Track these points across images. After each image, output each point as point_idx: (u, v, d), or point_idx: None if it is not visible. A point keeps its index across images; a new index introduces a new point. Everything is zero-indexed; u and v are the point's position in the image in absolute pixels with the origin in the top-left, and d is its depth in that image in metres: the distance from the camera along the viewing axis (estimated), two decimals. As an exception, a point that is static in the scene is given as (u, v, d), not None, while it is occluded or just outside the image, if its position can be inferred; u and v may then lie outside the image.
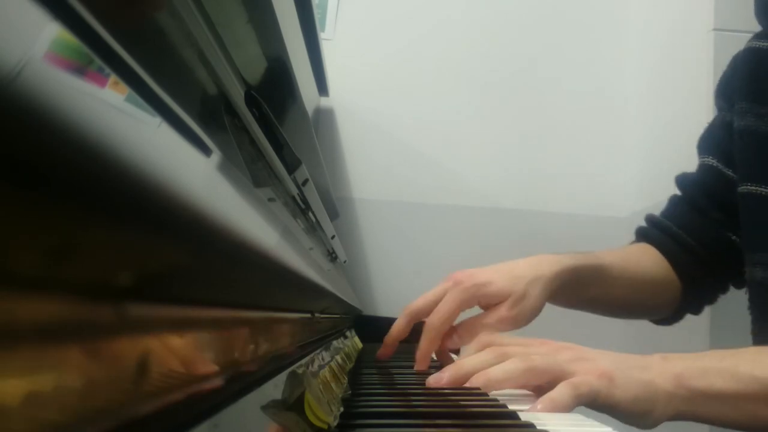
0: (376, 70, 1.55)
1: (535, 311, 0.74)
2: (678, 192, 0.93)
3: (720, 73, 1.19)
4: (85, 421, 0.13)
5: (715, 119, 0.91)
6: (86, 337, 0.13)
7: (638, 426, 0.55)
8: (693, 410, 0.55)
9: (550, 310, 0.78)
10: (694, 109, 1.25)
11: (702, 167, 0.90)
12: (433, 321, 0.73)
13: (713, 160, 0.88)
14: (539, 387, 0.55)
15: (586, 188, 1.57)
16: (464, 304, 0.74)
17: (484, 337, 0.65)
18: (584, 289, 0.80)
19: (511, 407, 0.48)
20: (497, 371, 0.55)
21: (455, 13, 1.58)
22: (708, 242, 0.86)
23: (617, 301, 0.85)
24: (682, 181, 0.94)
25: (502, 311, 0.72)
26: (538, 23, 1.60)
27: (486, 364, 0.57)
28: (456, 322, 0.75)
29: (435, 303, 0.74)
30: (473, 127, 1.56)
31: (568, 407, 0.50)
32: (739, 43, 1.05)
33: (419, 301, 0.76)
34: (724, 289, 0.90)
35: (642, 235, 0.93)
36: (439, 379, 0.59)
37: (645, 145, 1.50)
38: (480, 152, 1.56)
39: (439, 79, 1.56)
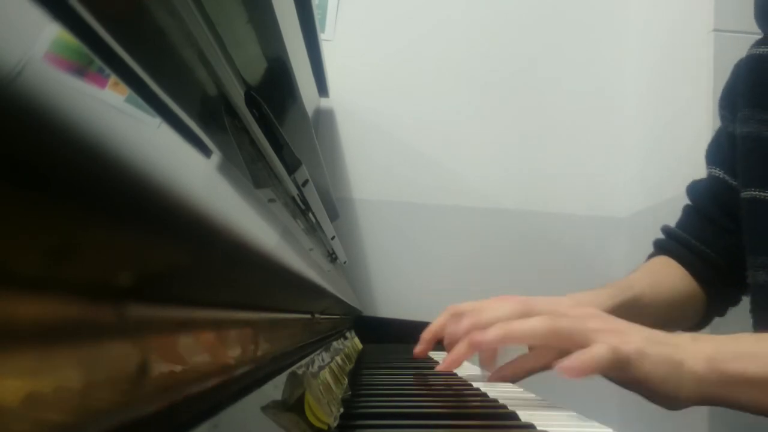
0: (376, 71, 1.55)
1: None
2: (689, 202, 0.95)
3: (721, 74, 1.19)
4: (85, 421, 0.13)
5: (720, 129, 0.92)
6: (86, 338, 0.13)
7: (665, 406, 0.53)
8: (723, 394, 0.53)
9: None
10: (694, 109, 1.25)
11: (710, 177, 0.92)
12: (449, 332, 0.72)
13: (720, 171, 0.89)
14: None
15: (586, 188, 1.57)
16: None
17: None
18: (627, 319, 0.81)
19: (512, 409, 0.48)
20: (519, 325, 0.52)
21: (455, 13, 1.58)
22: (723, 250, 0.87)
23: (649, 323, 0.86)
24: (692, 190, 0.95)
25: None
26: (538, 23, 1.60)
27: (507, 317, 0.54)
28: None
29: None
30: (473, 128, 1.56)
31: (602, 367, 0.48)
32: (739, 44, 1.05)
33: (465, 305, 0.76)
34: (745, 291, 0.90)
35: (660, 248, 0.94)
36: (455, 328, 0.56)
37: (645, 146, 1.50)
38: (480, 152, 1.56)
39: (439, 80, 1.56)
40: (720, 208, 0.88)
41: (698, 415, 1.11)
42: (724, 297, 0.90)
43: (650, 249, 1.38)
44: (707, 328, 1.13)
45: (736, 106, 0.83)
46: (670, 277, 0.89)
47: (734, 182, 0.86)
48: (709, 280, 0.88)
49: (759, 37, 0.86)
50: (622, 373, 0.50)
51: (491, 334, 0.52)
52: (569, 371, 0.47)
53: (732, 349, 0.53)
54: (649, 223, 1.46)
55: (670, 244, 0.93)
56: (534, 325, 0.52)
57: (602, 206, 1.56)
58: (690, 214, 0.94)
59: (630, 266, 1.48)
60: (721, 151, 0.90)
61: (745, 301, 0.85)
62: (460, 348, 0.56)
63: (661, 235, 0.96)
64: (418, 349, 0.79)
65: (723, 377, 0.52)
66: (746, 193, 0.80)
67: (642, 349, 0.51)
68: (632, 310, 0.80)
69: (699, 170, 1.20)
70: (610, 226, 1.55)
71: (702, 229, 0.90)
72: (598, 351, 0.48)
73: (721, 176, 0.89)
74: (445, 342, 0.78)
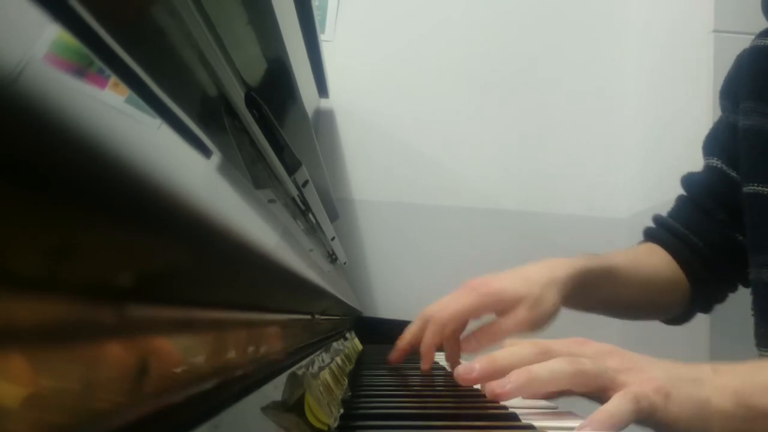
0: (376, 72, 1.55)
1: (553, 315, 0.72)
2: (684, 192, 0.94)
3: (720, 75, 1.18)
4: (85, 422, 0.13)
5: (719, 120, 0.91)
6: (85, 338, 0.13)
7: None
8: (752, 429, 0.50)
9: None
10: (694, 110, 1.25)
11: (707, 168, 0.90)
12: (440, 315, 0.72)
13: (718, 162, 0.87)
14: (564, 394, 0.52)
15: (586, 189, 1.57)
16: (477, 308, 0.73)
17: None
18: (596, 291, 0.79)
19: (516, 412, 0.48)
20: (542, 370, 0.49)
21: (455, 13, 1.58)
22: (714, 243, 0.86)
23: (628, 301, 0.85)
24: (687, 181, 0.93)
25: (521, 314, 0.70)
26: (538, 24, 1.60)
27: (526, 361, 0.51)
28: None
29: (455, 320, 0.74)
30: (473, 128, 1.57)
31: (626, 422, 0.45)
32: (739, 44, 1.05)
33: (434, 306, 0.76)
34: (733, 288, 0.90)
35: (649, 236, 0.93)
36: (469, 370, 0.53)
37: (645, 146, 1.50)
38: (480, 153, 1.56)
39: (439, 80, 1.56)
40: (716, 199, 0.87)
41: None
42: (710, 291, 0.89)
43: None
44: (705, 335, 1.13)
45: (738, 97, 0.82)
46: (654, 259, 0.88)
47: (733, 173, 0.85)
48: (697, 271, 0.87)
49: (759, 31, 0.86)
50: (646, 422, 0.48)
51: (514, 384, 0.48)
52: (597, 427, 0.44)
53: (759, 381, 0.51)
54: (649, 224, 1.46)
55: (659, 232, 0.92)
56: (556, 368, 0.49)
57: (602, 207, 1.56)
58: (683, 204, 0.92)
59: (630, 267, 1.48)
60: (719, 141, 0.88)
61: (747, 300, 0.84)
62: (472, 377, 0.53)
63: (651, 225, 0.95)
64: (393, 356, 0.77)
65: (751, 412, 0.49)
66: (748, 188, 0.79)
67: (666, 389, 0.48)
68: (608, 280, 0.80)
69: (699, 170, 1.20)
70: (610, 226, 1.55)
71: (695, 220, 0.88)
72: (621, 406, 0.45)
73: (719, 166, 0.87)
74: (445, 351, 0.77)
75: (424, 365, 0.73)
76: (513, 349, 0.54)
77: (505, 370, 0.50)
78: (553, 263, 0.77)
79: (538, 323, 0.71)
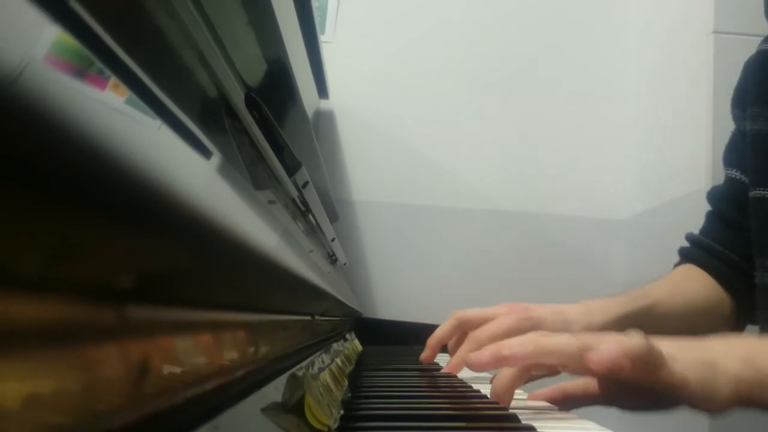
0: (376, 72, 1.55)
1: None
2: (710, 208, 0.93)
3: (720, 76, 1.19)
4: (85, 423, 0.13)
5: (734, 131, 0.91)
6: (85, 340, 0.13)
7: (704, 411, 0.49)
8: (762, 396, 0.49)
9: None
10: (694, 111, 1.25)
11: (727, 180, 0.90)
12: (480, 334, 0.71)
13: (737, 173, 0.87)
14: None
15: (586, 190, 1.57)
16: (515, 333, 0.71)
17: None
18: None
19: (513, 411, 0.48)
20: (550, 340, 0.50)
21: (455, 14, 1.58)
22: (748, 255, 0.84)
23: (671, 333, 0.83)
24: (711, 195, 0.93)
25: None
26: (538, 24, 1.60)
27: (526, 337, 0.52)
28: None
29: (484, 320, 0.73)
30: (473, 129, 1.57)
31: (637, 352, 0.45)
32: (739, 45, 1.05)
33: (471, 311, 0.76)
34: None
35: (685, 256, 0.92)
36: (480, 356, 0.54)
37: (645, 148, 1.50)
38: (480, 154, 1.56)
39: (439, 81, 1.56)
40: (739, 209, 0.86)
41: (698, 418, 1.11)
42: (753, 303, 0.85)
43: (650, 250, 1.38)
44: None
45: (746, 103, 0.83)
46: (693, 284, 0.86)
47: None
48: (736, 284, 0.85)
49: (760, 38, 0.86)
50: (652, 377, 0.47)
51: (524, 347, 0.50)
52: (599, 361, 0.44)
53: (767, 347, 0.51)
54: (649, 226, 1.46)
55: (693, 252, 0.90)
56: (562, 341, 0.50)
57: (602, 208, 1.56)
58: (711, 219, 0.91)
59: (630, 267, 1.48)
60: (737, 152, 0.88)
61: None
62: (482, 355, 0.54)
63: (684, 244, 0.93)
64: (424, 355, 0.79)
65: (761, 376, 0.49)
66: (755, 193, 0.79)
67: (672, 352, 0.48)
68: (648, 320, 0.78)
69: (699, 172, 1.20)
70: (610, 228, 1.55)
71: (724, 232, 0.88)
72: (631, 339, 0.45)
73: (737, 177, 0.87)
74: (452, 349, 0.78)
75: (451, 370, 0.74)
76: (517, 338, 0.54)
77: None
78: (592, 307, 0.76)
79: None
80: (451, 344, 0.80)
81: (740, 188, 0.86)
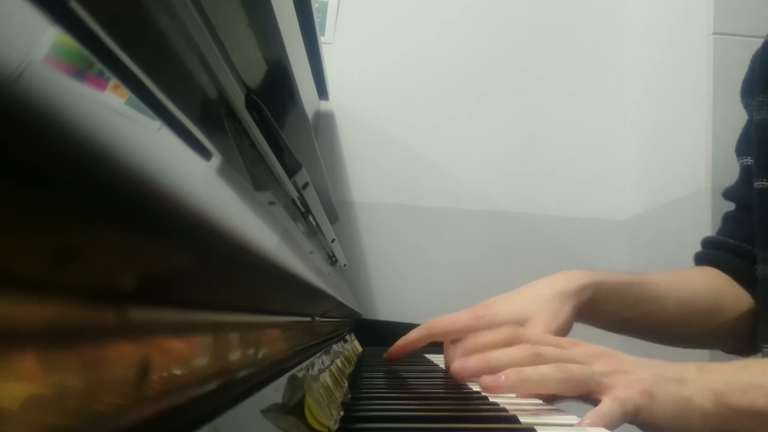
0: (376, 74, 1.55)
1: (564, 328, 0.68)
2: (728, 208, 0.90)
3: (720, 77, 1.19)
4: (85, 425, 0.13)
5: (747, 121, 0.89)
6: (85, 341, 0.13)
7: None
8: (732, 429, 0.51)
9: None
10: (694, 112, 1.25)
11: (742, 168, 0.87)
12: (436, 324, 0.70)
13: (750, 160, 0.85)
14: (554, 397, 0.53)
15: (586, 191, 1.57)
16: (470, 331, 0.68)
17: (510, 328, 0.60)
18: (621, 307, 0.74)
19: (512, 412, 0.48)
20: (533, 372, 0.51)
21: (455, 16, 1.58)
22: None
23: (667, 323, 0.78)
24: (728, 192, 0.90)
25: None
26: (537, 26, 1.60)
27: (517, 362, 0.53)
28: None
29: (453, 332, 0.71)
30: (473, 131, 1.57)
31: (617, 423, 0.48)
32: (738, 47, 1.05)
33: (441, 325, 0.72)
34: None
35: (700, 259, 0.88)
36: (464, 365, 0.56)
37: (644, 149, 1.50)
38: (480, 155, 1.56)
39: (438, 83, 1.57)
40: None
41: None
42: None
43: (650, 251, 1.38)
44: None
45: (753, 93, 0.83)
46: (701, 278, 0.81)
47: None
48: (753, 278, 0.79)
49: (760, 39, 0.86)
50: (632, 421, 0.50)
51: (507, 381, 0.51)
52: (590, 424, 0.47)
53: (740, 381, 0.52)
54: (649, 227, 1.46)
55: (707, 253, 0.86)
56: (546, 373, 0.51)
57: (602, 209, 1.56)
58: (728, 216, 0.88)
59: (630, 268, 1.48)
60: (750, 140, 0.85)
61: None
62: (462, 373, 0.56)
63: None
64: (388, 352, 0.76)
65: (731, 412, 0.51)
66: (759, 184, 0.78)
67: (650, 390, 0.50)
68: (637, 296, 0.74)
69: (699, 173, 1.20)
70: (610, 229, 1.55)
71: (742, 223, 0.83)
72: (609, 410, 0.48)
73: (751, 164, 0.84)
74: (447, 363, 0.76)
75: (391, 353, 0.73)
76: (507, 350, 0.56)
77: (497, 369, 0.53)
78: (563, 274, 0.73)
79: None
80: (402, 346, 0.77)
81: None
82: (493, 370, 0.54)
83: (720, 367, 0.54)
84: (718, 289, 0.81)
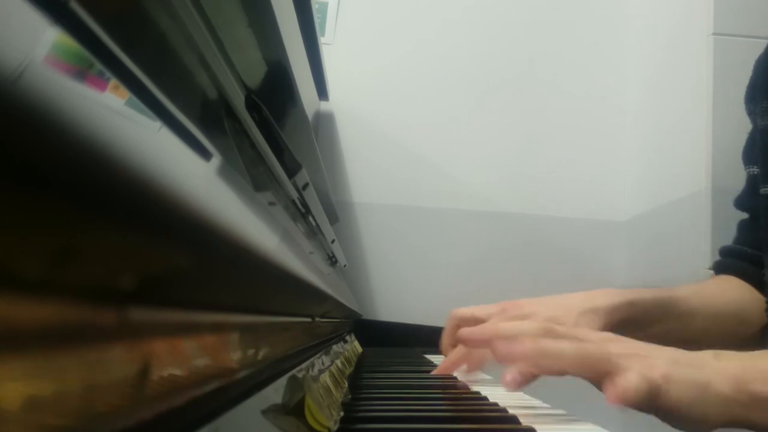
0: (376, 75, 1.55)
1: None
2: (741, 216, 0.90)
3: (720, 78, 1.19)
4: (86, 425, 0.13)
5: (752, 129, 0.88)
6: (85, 342, 0.13)
7: (692, 430, 0.50)
8: (750, 416, 0.50)
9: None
10: (694, 113, 1.25)
11: (749, 177, 0.87)
12: (467, 333, 0.71)
13: (756, 169, 0.85)
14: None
15: (586, 192, 1.57)
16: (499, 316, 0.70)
17: (536, 321, 0.57)
18: (653, 324, 0.74)
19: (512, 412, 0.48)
20: (551, 345, 0.49)
21: (455, 16, 1.58)
22: None
23: (696, 337, 0.77)
24: (738, 201, 0.90)
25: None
26: (537, 27, 1.60)
27: (534, 334, 0.51)
28: None
29: (477, 319, 0.72)
30: (473, 131, 1.57)
31: (636, 397, 0.46)
32: (738, 47, 1.05)
33: (465, 310, 0.74)
34: None
35: (718, 268, 0.88)
36: (472, 331, 0.54)
37: (644, 150, 1.50)
38: (480, 156, 1.56)
39: (438, 83, 1.57)
40: None
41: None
42: None
43: (650, 252, 1.38)
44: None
45: (757, 100, 0.82)
46: (726, 288, 0.81)
47: None
48: None
49: (760, 40, 0.86)
50: (648, 405, 0.48)
51: (522, 348, 0.48)
52: (614, 401, 0.46)
53: (760, 367, 0.50)
54: (649, 227, 1.46)
55: (725, 261, 0.86)
56: (563, 348, 0.49)
57: (602, 210, 1.56)
58: (741, 225, 0.88)
59: (630, 269, 1.48)
60: (755, 148, 0.85)
61: None
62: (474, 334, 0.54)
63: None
64: (441, 368, 0.76)
65: (751, 398, 0.49)
66: (765, 189, 0.78)
67: (668, 373, 0.48)
68: (666, 313, 0.74)
69: (698, 173, 1.20)
70: (610, 229, 1.55)
71: (755, 232, 0.83)
72: (632, 380, 0.46)
73: (757, 173, 0.84)
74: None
75: (443, 369, 0.73)
76: (519, 323, 0.54)
77: (510, 337, 0.50)
78: (598, 292, 0.72)
79: None
80: (443, 344, 0.79)
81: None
82: (503, 338, 0.51)
83: (736, 354, 0.52)
84: (743, 299, 0.80)
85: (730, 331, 0.79)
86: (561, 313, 0.68)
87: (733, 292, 0.81)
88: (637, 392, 0.45)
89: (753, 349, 0.83)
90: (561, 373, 0.49)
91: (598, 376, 0.49)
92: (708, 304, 0.77)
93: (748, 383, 0.49)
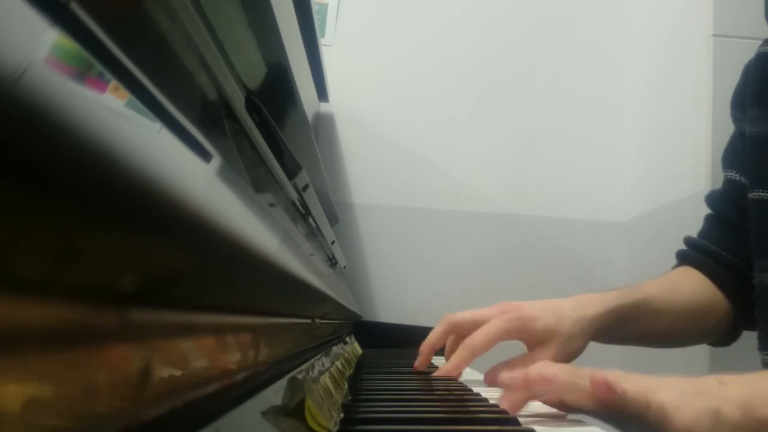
0: (376, 75, 1.55)
1: (579, 351, 0.74)
2: (709, 211, 0.93)
3: (720, 79, 1.19)
4: (86, 426, 0.13)
5: (734, 133, 0.91)
6: (85, 342, 0.13)
7: None
8: None
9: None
10: (694, 114, 1.25)
11: (726, 182, 0.90)
12: (473, 340, 0.73)
13: (736, 174, 0.87)
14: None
15: (586, 193, 1.57)
16: (507, 334, 0.74)
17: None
18: (630, 326, 0.79)
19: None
20: (580, 380, 0.52)
21: (455, 17, 1.59)
22: (746, 256, 0.84)
23: (664, 331, 0.84)
24: (710, 199, 0.93)
25: (551, 350, 0.72)
26: (538, 28, 1.60)
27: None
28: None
29: (476, 322, 0.74)
30: (473, 132, 1.57)
31: (630, 406, 0.48)
32: (738, 48, 1.05)
33: (462, 315, 0.77)
34: None
35: (683, 259, 0.92)
36: (515, 378, 0.55)
37: (644, 150, 1.50)
38: (480, 157, 1.56)
39: (438, 83, 1.57)
40: (739, 211, 0.86)
41: None
42: (751, 307, 0.84)
43: (650, 253, 1.38)
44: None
45: (745, 105, 0.83)
46: (689, 284, 0.86)
47: None
48: (734, 288, 0.85)
49: (759, 41, 0.86)
50: (660, 429, 0.49)
51: (560, 379, 0.52)
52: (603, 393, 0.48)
53: (764, 392, 0.51)
54: (649, 228, 1.46)
55: (692, 254, 0.90)
56: (576, 380, 0.51)
57: (602, 211, 1.56)
58: (710, 221, 0.91)
59: (630, 270, 1.48)
60: (736, 153, 0.88)
61: None
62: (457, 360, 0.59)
63: (682, 246, 0.94)
64: (418, 362, 0.80)
65: (759, 424, 0.50)
66: (753, 194, 0.79)
67: (675, 403, 0.49)
68: (641, 315, 0.79)
69: (698, 174, 1.20)
70: (610, 230, 1.55)
71: (724, 236, 0.87)
72: (637, 393, 0.48)
73: (737, 179, 0.87)
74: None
75: (420, 364, 0.76)
76: (552, 368, 0.55)
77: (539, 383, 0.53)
78: (585, 299, 0.77)
79: (566, 360, 0.73)
80: (447, 348, 0.80)
81: (739, 189, 0.86)
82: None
83: (740, 379, 0.53)
84: (704, 293, 0.85)
85: (693, 324, 0.85)
86: (555, 321, 0.73)
87: (694, 287, 0.86)
88: (632, 401, 0.48)
89: (712, 337, 0.88)
90: (577, 407, 0.52)
91: (608, 410, 0.50)
92: (675, 300, 0.83)
93: (756, 409, 0.50)
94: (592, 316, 0.75)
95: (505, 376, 0.58)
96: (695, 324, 0.85)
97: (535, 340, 0.74)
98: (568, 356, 0.73)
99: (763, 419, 0.49)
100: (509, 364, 0.72)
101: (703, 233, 0.92)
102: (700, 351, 1.14)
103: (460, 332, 0.76)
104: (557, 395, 0.52)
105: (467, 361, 0.73)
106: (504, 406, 0.52)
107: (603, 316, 0.75)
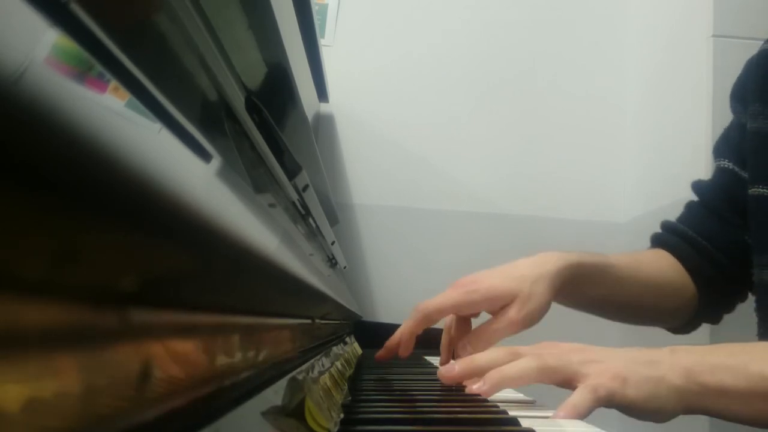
0: (376, 76, 1.55)
1: (543, 310, 0.73)
2: (694, 198, 0.92)
3: (720, 79, 1.19)
4: (86, 426, 0.13)
5: (731, 123, 0.90)
6: (85, 343, 0.13)
7: (653, 421, 0.55)
8: (703, 405, 0.55)
9: (551, 311, 0.78)
10: (694, 114, 1.25)
11: (718, 170, 0.89)
12: (425, 305, 0.73)
13: (729, 163, 0.87)
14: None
15: (586, 193, 1.57)
16: (463, 305, 0.73)
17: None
18: (591, 288, 0.78)
19: (512, 413, 0.48)
20: (512, 368, 0.56)
21: (455, 18, 1.59)
22: (726, 247, 0.84)
23: (625, 302, 0.84)
24: (698, 186, 0.92)
25: (512, 314, 0.71)
26: (538, 28, 1.60)
27: (499, 362, 0.57)
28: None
29: (444, 313, 0.75)
30: (473, 132, 1.57)
31: (588, 411, 0.51)
32: (738, 49, 1.05)
33: (431, 304, 0.76)
34: (743, 297, 0.88)
35: (657, 242, 0.91)
36: (450, 369, 0.60)
37: (645, 151, 1.50)
38: (480, 157, 1.56)
39: (438, 83, 1.57)
40: (728, 201, 0.85)
41: (699, 423, 1.11)
42: (719, 299, 0.87)
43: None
44: (706, 336, 1.12)
45: (747, 101, 0.83)
46: (659, 262, 0.86)
47: (744, 174, 0.83)
48: (704, 274, 0.85)
49: (759, 42, 0.86)
50: (609, 405, 0.53)
51: (489, 384, 0.56)
52: (566, 416, 0.51)
53: (709, 361, 0.55)
54: (649, 228, 1.46)
55: (668, 238, 0.90)
56: (524, 366, 0.56)
57: (602, 211, 1.56)
58: (694, 208, 0.91)
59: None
60: (731, 143, 0.87)
61: (750, 300, 0.84)
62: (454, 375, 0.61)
63: (659, 231, 0.94)
64: (380, 354, 0.78)
65: (701, 388, 0.54)
66: (754, 190, 0.79)
67: (622, 374, 0.54)
68: (605, 277, 0.78)
69: (698, 175, 1.20)
70: (610, 230, 1.55)
71: (706, 223, 0.87)
72: (582, 397, 0.52)
73: (730, 167, 0.86)
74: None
75: (402, 352, 0.75)
76: (487, 352, 0.61)
77: (482, 370, 0.57)
78: (544, 257, 0.76)
79: (529, 321, 0.72)
80: (405, 334, 0.78)
81: (731, 178, 0.86)
82: (477, 371, 0.58)
83: (691, 348, 0.57)
84: (673, 272, 0.86)
85: (654, 301, 0.86)
86: (513, 283, 0.72)
87: (663, 266, 0.86)
88: (584, 407, 0.51)
89: (669, 320, 0.90)
90: (531, 383, 0.56)
91: (564, 383, 0.55)
92: (639, 275, 0.83)
93: (698, 375, 0.54)
94: (552, 271, 0.73)
95: (441, 371, 0.61)
96: (657, 301, 0.85)
97: (496, 306, 0.72)
98: (533, 317, 0.71)
99: (706, 384, 0.54)
100: (472, 338, 0.72)
101: (682, 218, 0.91)
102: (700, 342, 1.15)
103: (433, 319, 0.75)
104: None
105: (418, 326, 0.73)
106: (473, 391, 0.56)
107: (562, 272, 0.74)
